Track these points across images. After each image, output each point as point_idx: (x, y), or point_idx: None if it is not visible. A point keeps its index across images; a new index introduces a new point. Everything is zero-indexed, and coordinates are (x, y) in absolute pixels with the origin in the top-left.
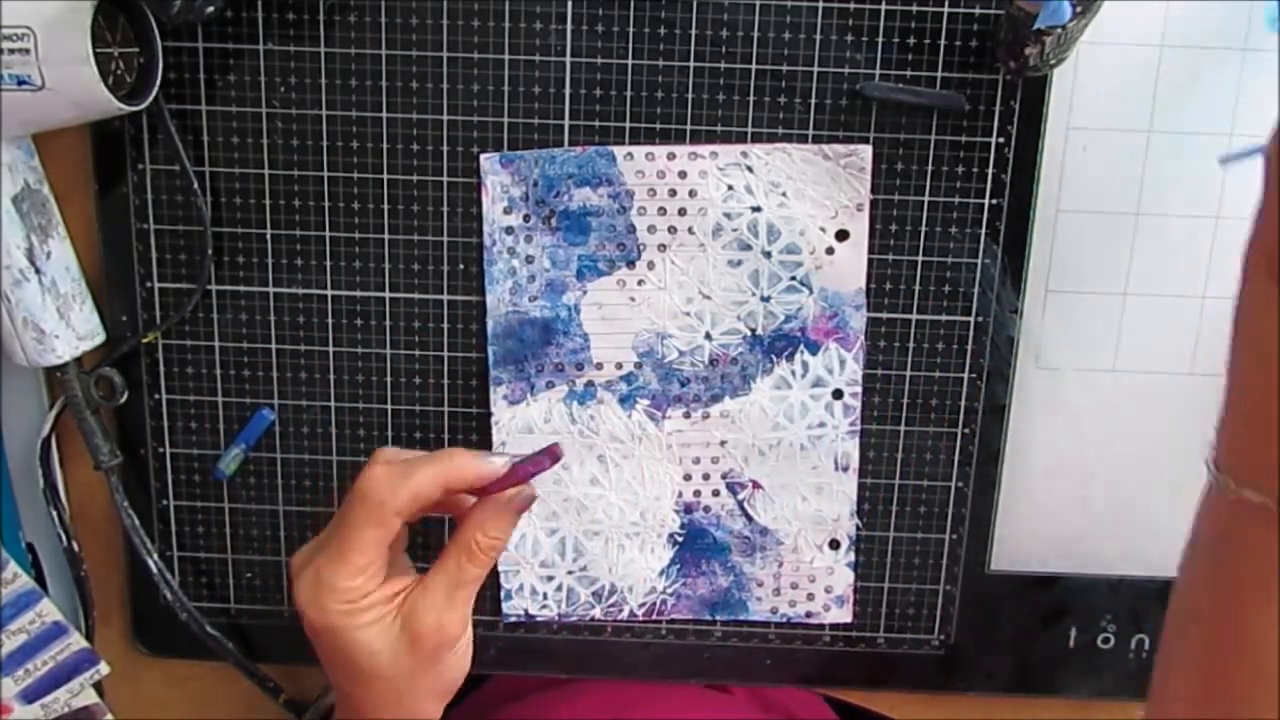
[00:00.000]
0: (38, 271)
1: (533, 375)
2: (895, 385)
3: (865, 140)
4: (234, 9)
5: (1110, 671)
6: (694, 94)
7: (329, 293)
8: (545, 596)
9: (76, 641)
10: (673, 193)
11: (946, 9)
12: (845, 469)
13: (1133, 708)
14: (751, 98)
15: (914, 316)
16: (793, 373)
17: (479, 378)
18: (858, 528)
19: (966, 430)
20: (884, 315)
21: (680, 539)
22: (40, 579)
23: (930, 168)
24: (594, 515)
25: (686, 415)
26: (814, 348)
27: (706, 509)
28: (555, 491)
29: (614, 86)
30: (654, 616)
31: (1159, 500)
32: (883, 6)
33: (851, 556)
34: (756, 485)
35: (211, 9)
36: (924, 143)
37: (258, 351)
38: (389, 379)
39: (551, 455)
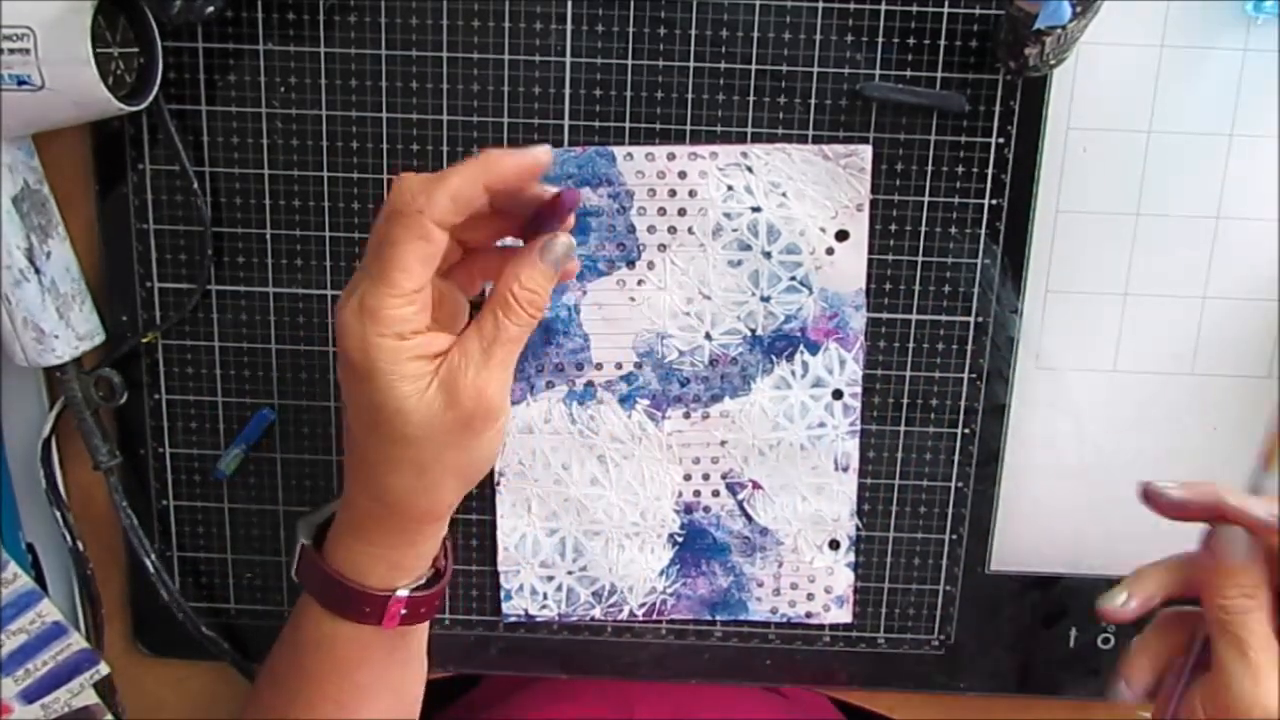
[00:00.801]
0: (38, 271)
1: (533, 375)
2: (895, 385)
3: (865, 140)
4: (234, 9)
5: (1110, 671)
6: (694, 94)
7: (329, 293)
8: (545, 596)
9: (76, 641)
10: (673, 193)
11: (946, 9)
12: (845, 469)
13: (1133, 707)
14: (751, 98)
15: (914, 317)
16: (793, 373)
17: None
18: (858, 528)
19: (966, 430)
20: (884, 315)
21: (680, 539)
22: (40, 579)
23: (930, 168)
24: (594, 515)
25: (686, 415)
26: (814, 348)
27: (706, 509)
28: (555, 491)
29: (614, 87)
30: (654, 617)
31: None
32: (883, 6)
33: (851, 557)
34: (756, 485)
35: (211, 9)
36: (924, 143)
37: (258, 351)
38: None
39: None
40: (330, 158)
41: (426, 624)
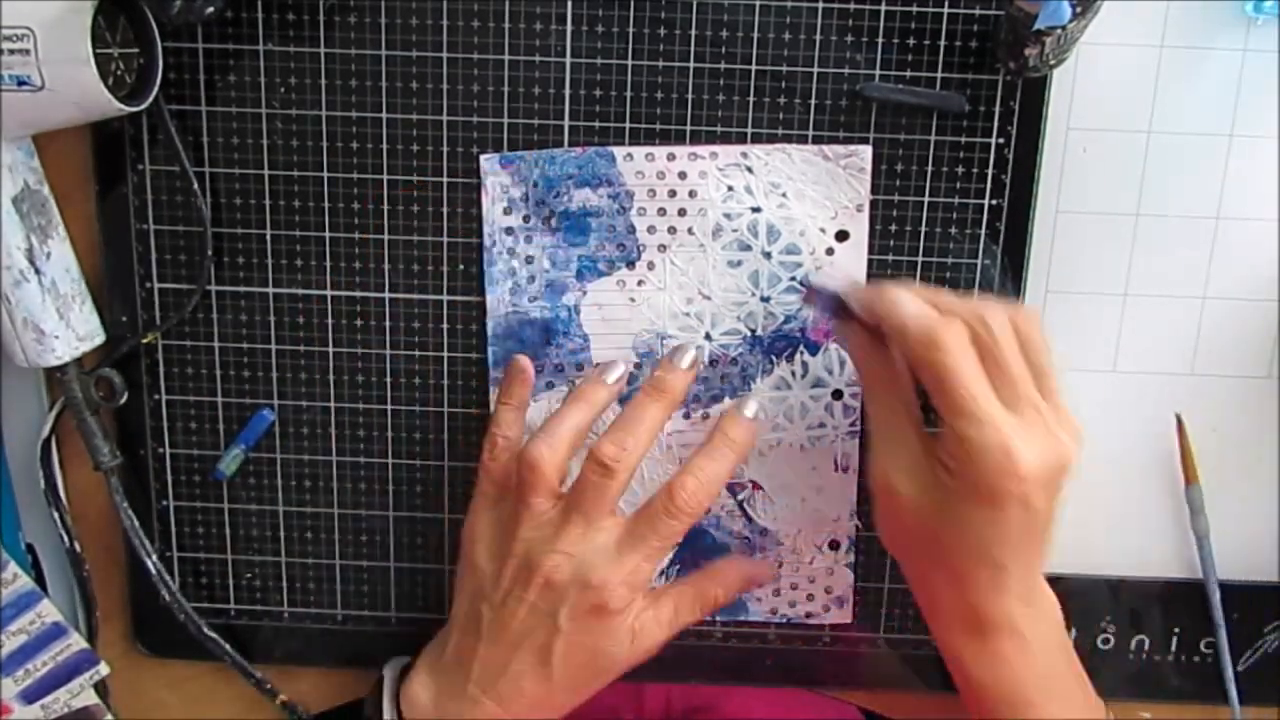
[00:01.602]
0: (38, 272)
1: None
2: None
3: (865, 141)
4: (234, 9)
5: (1110, 671)
6: (694, 94)
7: (329, 293)
8: None
9: (76, 642)
10: (673, 193)
11: (946, 9)
12: (845, 470)
13: (1133, 708)
14: (751, 98)
15: None
16: (792, 373)
17: (479, 378)
18: (858, 528)
19: None
20: None
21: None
22: (40, 580)
23: (930, 168)
24: None
25: (686, 415)
26: (814, 348)
27: (706, 509)
28: None
29: (614, 87)
30: None
31: (1159, 500)
32: (883, 7)
33: (851, 557)
34: (756, 486)
35: (211, 9)
36: (924, 143)
37: (258, 352)
38: (389, 379)
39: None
40: (330, 158)
41: None
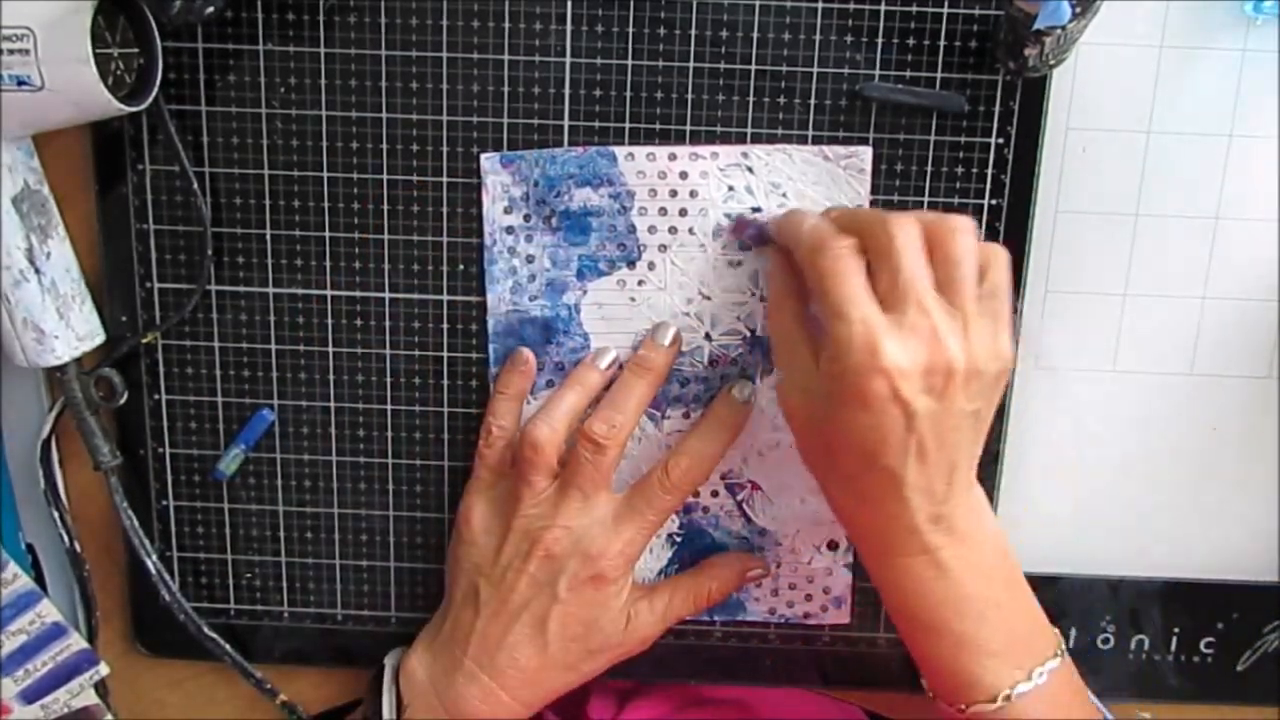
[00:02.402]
0: (37, 272)
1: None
2: None
3: (865, 141)
4: (234, 9)
5: (1110, 671)
6: (694, 94)
7: (329, 293)
8: None
9: (76, 642)
10: (673, 193)
11: (946, 9)
12: None
13: (1133, 708)
14: (751, 98)
15: None
16: None
17: (479, 378)
18: None
19: None
20: None
21: (679, 539)
22: (40, 580)
23: (930, 168)
24: None
25: (686, 415)
26: None
27: (705, 509)
28: None
29: (614, 87)
30: None
31: (1159, 500)
32: (882, 7)
33: (850, 558)
34: (755, 486)
35: (211, 9)
36: (923, 143)
37: (258, 352)
38: (389, 379)
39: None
40: (330, 158)
41: None
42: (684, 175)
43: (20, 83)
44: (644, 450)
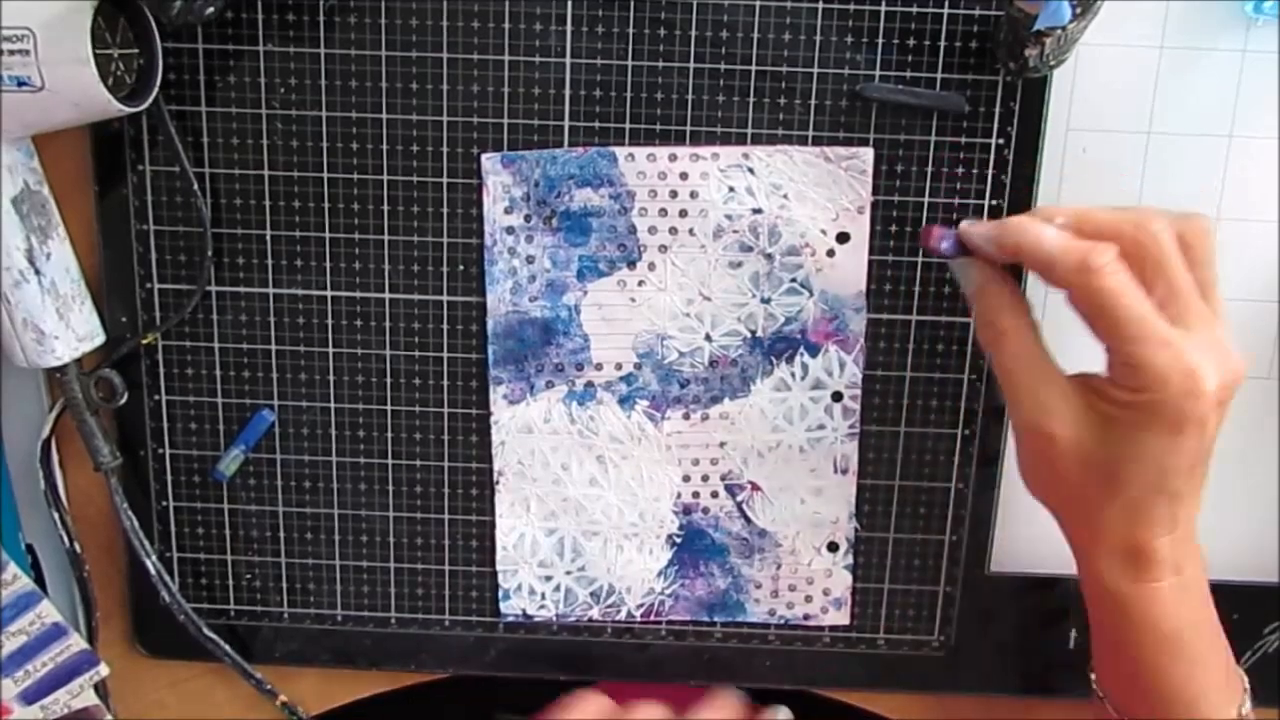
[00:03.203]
0: (37, 273)
1: (532, 375)
2: (895, 386)
3: (865, 141)
4: (234, 10)
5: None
6: (694, 95)
7: (329, 293)
8: (543, 596)
9: (76, 643)
10: (674, 194)
11: (946, 10)
12: (844, 471)
13: None
14: (751, 99)
15: (914, 318)
16: (792, 375)
17: (479, 378)
18: (856, 530)
19: (966, 432)
20: (884, 316)
21: (679, 540)
22: (40, 580)
23: (930, 169)
24: (592, 515)
25: (686, 416)
26: (814, 350)
27: (705, 510)
28: (554, 491)
29: (614, 87)
30: (652, 617)
31: None
32: (883, 7)
33: (850, 559)
34: (755, 487)
35: (211, 10)
36: (924, 144)
37: (257, 352)
38: (389, 379)
39: None
40: (330, 158)
41: None
42: (684, 176)
43: (20, 83)
44: (644, 451)
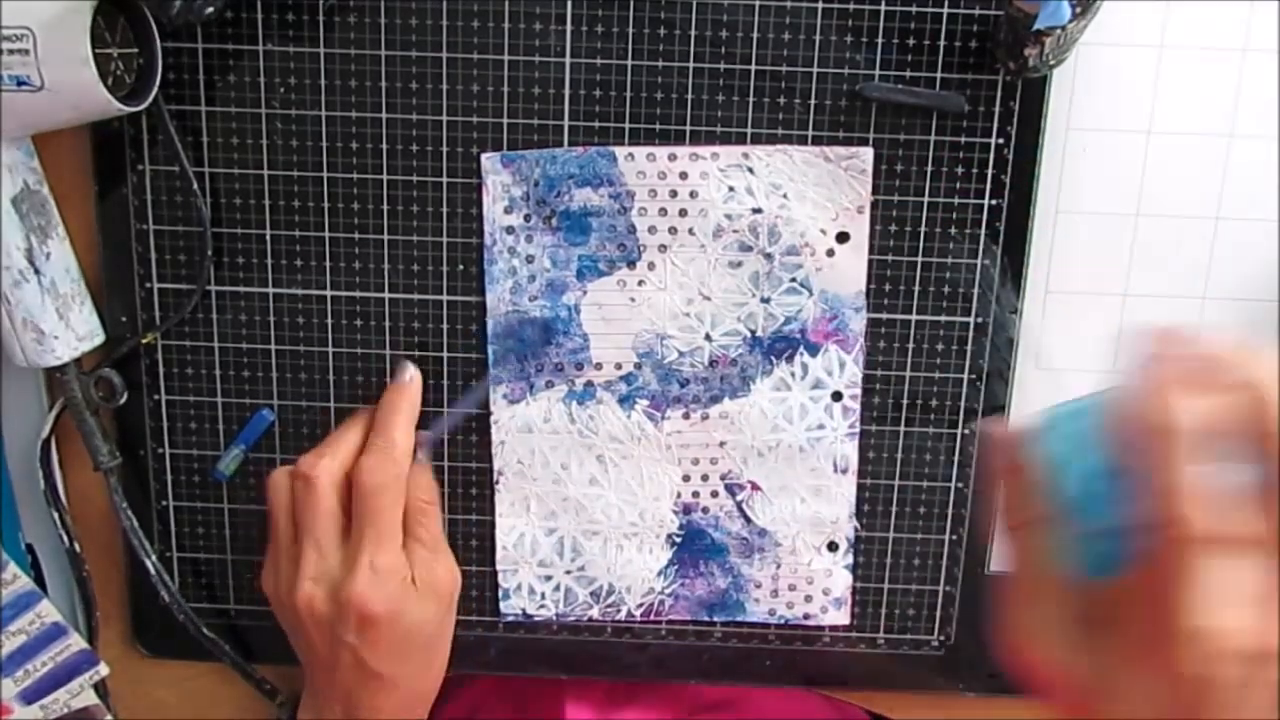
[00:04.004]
0: (37, 272)
1: (532, 375)
2: (895, 386)
3: (865, 141)
4: (233, 10)
5: None
6: (693, 95)
7: (329, 293)
8: (543, 596)
9: (76, 642)
10: (673, 194)
11: (946, 10)
12: (844, 471)
13: None
14: (751, 98)
15: (913, 317)
16: (792, 374)
17: (479, 377)
18: (856, 530)
19: (966, 431)
20: (883, 316)
21: (678, 540)
22: (40, 580)
23: (930, 168)
24: (592, 515)
25: (686, 416)
26: (814, 349)
27: (705, 510)
28: (554, 491)
29: (614, 87)
30: (652, 617)
31: None
32: (882, 7)
33: (850, 559)
34: (755, 487)
35: (211, 10)
36: (923, 143)
37: (257, 352)
38: (389, 379)
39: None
40: (330, 158)
41: None
42: (684, 176)
43: (20, 83)
44: (644, 450)
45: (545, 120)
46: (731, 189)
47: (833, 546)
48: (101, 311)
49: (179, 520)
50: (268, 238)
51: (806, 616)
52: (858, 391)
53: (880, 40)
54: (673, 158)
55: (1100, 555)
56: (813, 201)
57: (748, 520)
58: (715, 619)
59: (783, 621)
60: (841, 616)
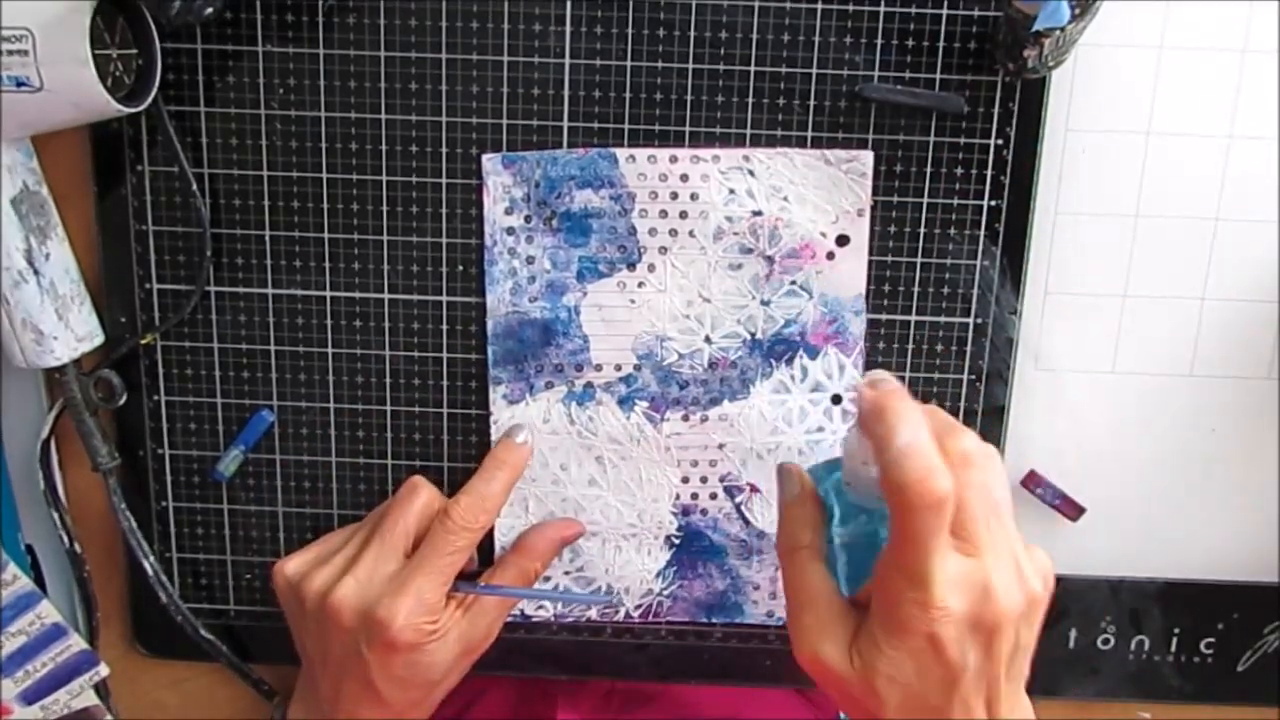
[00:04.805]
0: (36, 273)
1: (532, 376)
2: None
3: (864, 142)
4: (233, 10)
5: (1110, 672)
6: (693, 95)
7: (328, 294)
8: None
9: (76, 643)
10: (674, 195)
11: (945, 11)
12: None
13: (1133, 708)
14: (750, 99)
15: (913, 318)
16: (791, 377)
17: (478, 378)
18: None
19: None
20: (883, 317)
21: (677, 541)
22: (40, 581)
23: (929, 169)
24: (591, 516)
25: (685, 418)
26: (813, 352)
27: (704, 512)
28: (553, 492)
29: (613, 88)
30: (650, 618)
31: (1159, 500)
32: (882, 8)
33: None
34: (754, 489)
35: (210, 10)
36: (923, 144)
37: (257, 353)
38: (389, 380)
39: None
40: (330, 159)
41: None
42: (685, 178)
43: (19, 83)
44: (643, 452)
45: (545, 121)
46: (732, 191)
47: None
48: (101, 312)
49: (178, 521)
50: (267, 238)
51: None
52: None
53: (880, 41)
54: (673, 160)
55: (855, 569)
56: (813, 204)
57: (746, 522)
58: (713, 620)
59: (781, 623)
60: None
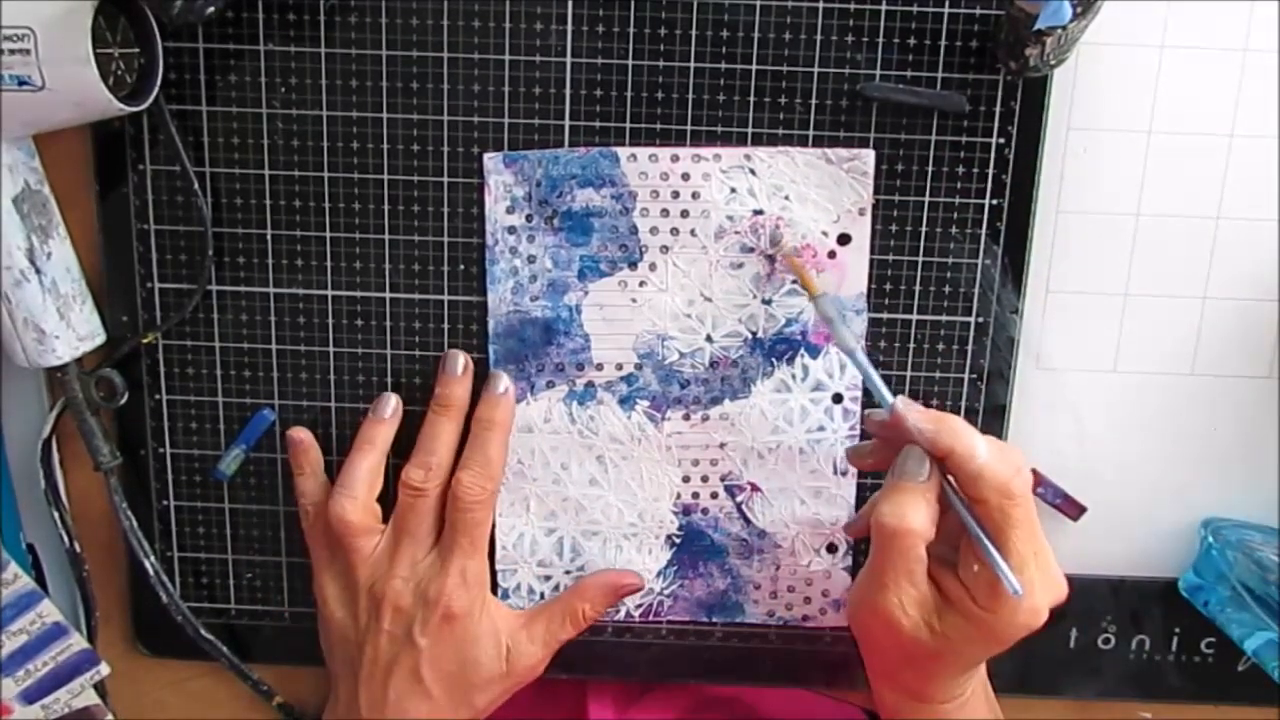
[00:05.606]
0: (38, 272)
1: (533, 375)
2: (895, 386)
3: (866, 141)
4: (234, 9)
5: (1110, 671)
6: (694, 95)
7: (329, 293)
8: (543, 596)
9: (77, 642)
10: (675, 195)
11: (947, 9)
12: (844, 473)
13: (1133, 707)
14: (752, 98)
15: (914, 317)
16: (793, 376)
17: (479, 378)
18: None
19: None
20: (884, 316)
21: (678, 541)
22: (40, 580)
23: (931, 168)
24: (592, 515)
25: (686, 417)
26: (814, 351)
27: (705, 511)
28: (554, 491)
29: (614, 87)
30: (650, 618)
31: (1159, 500)
32: (883, 7)
33: (849, 560)
34: (755, 488)
35: (212, 9)
36: (924, 143)
37: (258, 352)
38: (389, 379)
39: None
40: (330, 158)
41: None
42: (686, 177)
43: (21, 83)
44: (644, 451)
45: (546, 120)
46: (733, 190)
47: (832, 548)
48: (102, 311)
49: (179, 520)
50: (268, 238)
51: (805, 618)
52: (858, 393)
53: (881, 40)
54: (675, 159)
55: None
56: (814, 203)
57: (747, 522)
58: (714, 620)
59: (781, 623)
60: (841, 618)
